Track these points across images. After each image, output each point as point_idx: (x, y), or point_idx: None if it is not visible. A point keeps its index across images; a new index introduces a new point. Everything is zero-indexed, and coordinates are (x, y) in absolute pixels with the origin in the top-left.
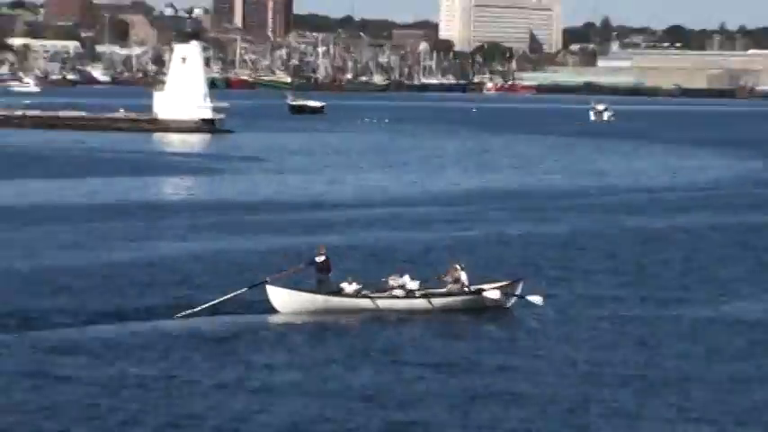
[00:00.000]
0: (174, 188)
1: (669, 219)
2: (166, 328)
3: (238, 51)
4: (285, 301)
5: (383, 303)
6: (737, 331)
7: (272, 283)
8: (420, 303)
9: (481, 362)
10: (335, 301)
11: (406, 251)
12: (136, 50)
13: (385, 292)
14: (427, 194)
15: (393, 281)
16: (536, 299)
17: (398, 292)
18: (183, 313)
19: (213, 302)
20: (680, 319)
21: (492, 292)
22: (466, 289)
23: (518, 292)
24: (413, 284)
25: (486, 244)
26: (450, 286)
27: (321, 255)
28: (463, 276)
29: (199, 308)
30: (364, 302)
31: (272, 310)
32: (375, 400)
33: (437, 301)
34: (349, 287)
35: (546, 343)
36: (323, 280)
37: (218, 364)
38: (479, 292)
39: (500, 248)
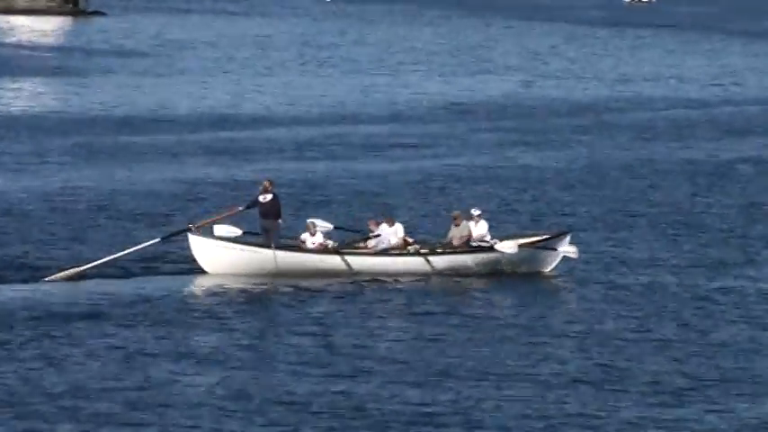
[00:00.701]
0: (15, 96)
1: (726, 146)
2: (21, 295)
3: None
4: (216, 257)
5: (360, 263)
6: None
7: (197, 233)
8: (413, 263)
9: (452, 340)
10: (289, 258)
11: (348, 189)
12: None
13: (364, 246)
14: (383, 107)
15: (375, 231)
16: (570, 250)
17: (378, 244)
18: (56, 276)
19: (102, 261)
20: (732, 292)
21: (505, 245)
22: (479, 244)
23: (563, 248)
24: (395, 239)
25: (467, 180)
26: (455, 242)
27: (267, 193)
28: (478, 229)
29: (81, 268)
30: (332, 261)
31: (198, 270)
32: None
33: (438, 261)
34: (312, 239)
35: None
36: (269, 228)
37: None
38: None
39: (487, 187)
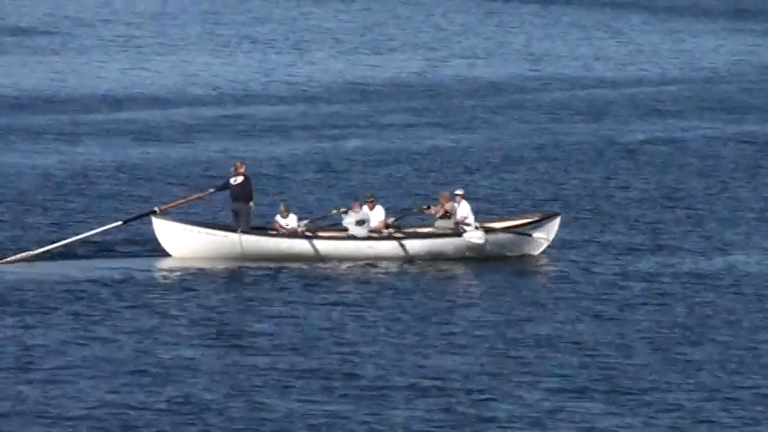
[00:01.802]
0: None
1: (642, 126)
2: None
3: None
4: (181, 240)
5: (329, 247)
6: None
7: (163, 216)
8: (385, 247)
9: (416, 326)
10: (256, 242)
11: (255, 173)
12: None
13: (339, 230)
14: (286, 86)
15: (351, 214)
16: (542, 235)
17: (358, 230)
18: (9, 259)
19: (60, 243)
20: (640, 277)
21: (472, 234)
22: (465, 227)
23: (550, 233)
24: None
25: (372, 162)
26: (438, 223)
27: (238, 175)
28: (462, 209)
29: (35, 251)
30: (299, 245)
31: (161, 253)
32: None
33: (413, 245)
34: (284, 221)
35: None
36: (240, 211)
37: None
38: (500, 230)
39: (393, 169)
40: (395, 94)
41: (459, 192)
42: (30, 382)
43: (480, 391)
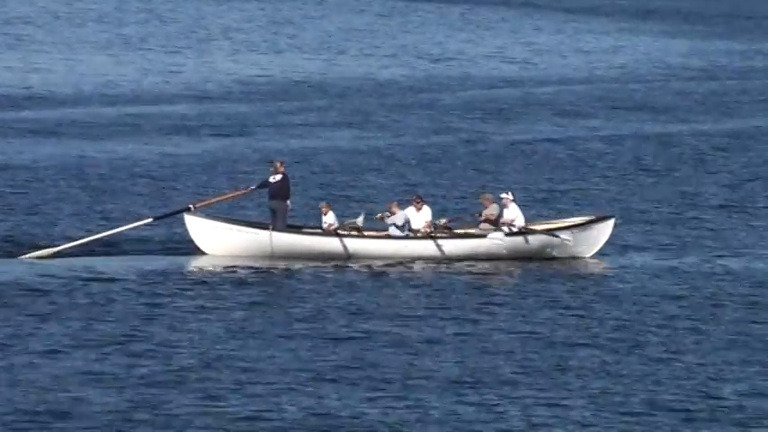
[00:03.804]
0: None
1: (546, 126)
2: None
3: None
4: (213, 238)
5: (361, 245)
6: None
7: (197, 213)
8: (420, 247)
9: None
10: (287, 239)
11: (151, 173)
12: None
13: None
14: (189, 86)
15: (390, 216)
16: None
17: (395, 231)
18: (36, 253)
19: (87, 240)
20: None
21: (494, 235)
22: (511, 229)
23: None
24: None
25: (264, 163)
26: (482, 226)
27: (277, 173)
28: (510, 212)
29: (61, 246)
30: (330, 243)
31: (195, 251)
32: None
33: (449, 245)
34: (324, 218)
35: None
36: (277, 209)
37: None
38: (526, 232)
39: (297, 169)
40: (297, 93)
41: (504, 195)
42: (55, 377)
43: (514, 391)
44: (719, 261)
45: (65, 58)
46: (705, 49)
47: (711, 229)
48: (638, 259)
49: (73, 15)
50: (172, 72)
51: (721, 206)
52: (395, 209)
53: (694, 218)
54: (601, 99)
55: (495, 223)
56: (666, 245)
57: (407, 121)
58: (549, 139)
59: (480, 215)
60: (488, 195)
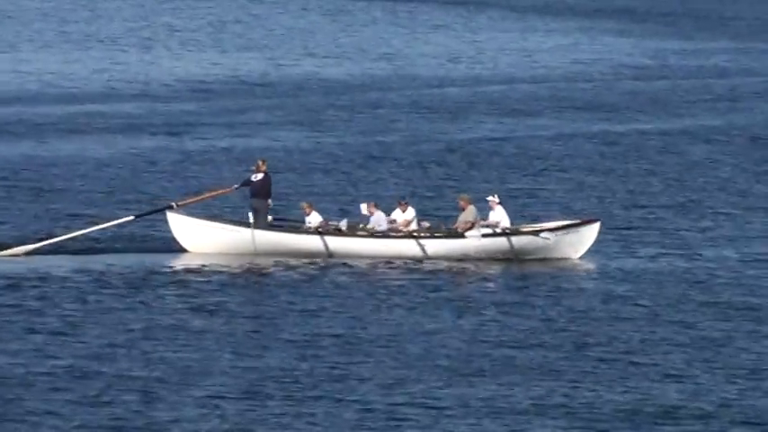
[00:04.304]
0: None
1: (498, 126)
2: None
3: None
4: (195, 235)
5: (341, 244)
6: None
7: (179, 211)
8: (401, 246)
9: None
10: (269, 237)
11: (92, 173)
12: None
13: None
14: (132, 85)
15: (373, 213)
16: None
17: (379, 227)
18: (10, 251)
19: (67, 236)
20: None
21: (472, 233)
22: (494, 230)
23: (585, 238)
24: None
25: (228, 161)
26: (461, 228)
27: (260, 172)
28: (496, 214)
29: (40, 243)
30: (311, 241)
31: (177, 249)
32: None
33: (430, 245)
34: (308, 218)
35: None
36: (259, 207)
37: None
38: (508, 233)
39: (246, 167)
40: (243, 92)
41: (491, 198)
42: (27, 378)
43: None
44: (665, 259)
45: (8, 57)
46: (653, 48)
47: (659, 229)
48: (589, 258)
49: (16, 13)
50: (117, 71)
51: (668, 206)
52: (372, 209)
53: (641, 217)
54: (548, 98)
55: (473, 226)
56: (613, 242)
57: (353, 120)
58: (495, 138)
59: (459, 221)
60: (465, 197)
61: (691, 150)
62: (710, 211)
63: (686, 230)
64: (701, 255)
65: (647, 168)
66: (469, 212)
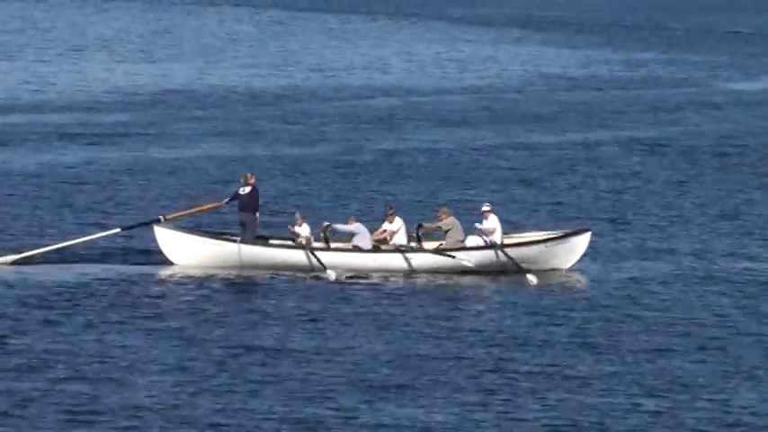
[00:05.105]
0: None
1: (432, 137)
2: None
3: None
4: (182, 249)
5: (327, 258)
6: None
7: (166, 225)
8: (388, 260)
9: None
10: (254, 251)
11: (22, 184)
12: None
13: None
14: (61, 96)
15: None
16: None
17: (362, 243)
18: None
19: (49, 248)
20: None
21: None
22: (489, 240)
23: (577, 248)
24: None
25: (159, 172)
26: (448, 241)
27: (247, 185)
28: (489, 223)
29: (27, 253)
30: (297, 256)
31: (164, 261)
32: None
33: (417, 258)
34: (299, 230)
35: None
36: (246, 221)
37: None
38: (502, 245)
39: (177, 179)
40: (174, 102)
41: (485, 207)
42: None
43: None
44: (594, 269)
45: None
46: (585, 59)
47: (591, 240)
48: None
49: None
50: (47, 82)
51: (600, 217)
52: (351, 222)
53: (556, 228)
54: (479, 109)
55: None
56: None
57: (284, 131)
58: (426, 149)
59: (434, 227)
60: (445, 209)
61: (622, 161)
62: (640, 222)
63: (615, 242)
64: (629, 266)
65: (578, 179)
66: (450, 223)
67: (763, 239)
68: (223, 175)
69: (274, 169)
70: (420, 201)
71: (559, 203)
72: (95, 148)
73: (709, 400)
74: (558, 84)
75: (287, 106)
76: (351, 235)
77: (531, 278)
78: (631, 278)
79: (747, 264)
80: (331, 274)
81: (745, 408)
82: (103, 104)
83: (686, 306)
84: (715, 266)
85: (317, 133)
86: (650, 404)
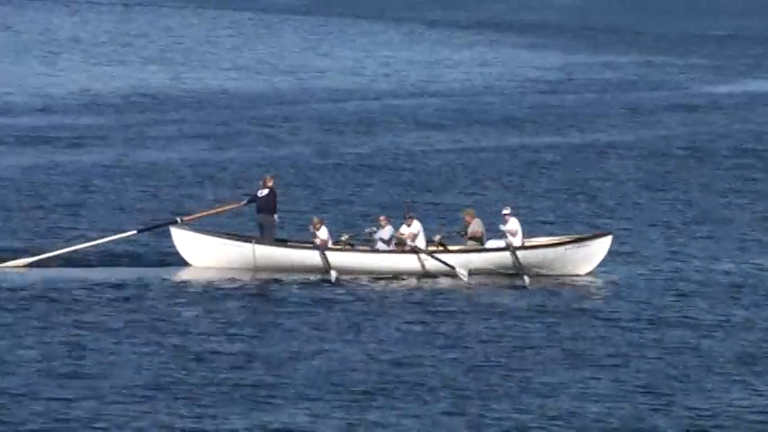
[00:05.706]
0: None
1: (414, 140)
2: None
3: None
4: (199, 250)
5: (342, 259)
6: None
7: (183, 226)
8: (402, 261)
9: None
10: (270, 252)
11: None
12: None
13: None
14: (29, 99)
15: (380, 231)
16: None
17: (382, 245)
18: (12, 263)
19: (64, 250)
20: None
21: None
22: (511, 242)
23: (596, 252)
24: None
25: (135, 175)
26: (469, 243)
27: (266, 187)
28: (509, 225)
29: (44, 255)
30: (312, 257)
31: (180, 263)
32: None
33: (432, 260)
34: (317, 233)
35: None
36: (264, 223)
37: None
38: (515, 248)
39: (156, 183)
40: (151, 105)
41: (506, 211)
42: (18, 390)
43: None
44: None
45: None
46: (560, 62)
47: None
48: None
49: None
50: (20, 84)
51: (579, 220)
52: (383, 222)
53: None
54: (456, 112)
55: (481, 239)
56: None
57: (262, 134)
58: (402, 152)
59: (466, 234)
60: (470, 211)
61: (597, 164)
62: (614, 225)
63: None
64: (605, 271)
65: (556, 182)
66: (476, 226)
67: (742, 243)
68: (197, 177)
69: (251, 172)
70: (396, 204)
71: (535, 208)
72: (65, 151)
73: (709, 400)
74: (532, 86)
75: (263, 109)
76: (390, 238)
77: (525, 279)
78: (613, 281)
79: (728, 267)
80: (332, 275)
81: (745, 408)
82: (76, 107)
83: (657, 309)
84: (688, 269)
85: (289, 136)
86: (650, 403)
